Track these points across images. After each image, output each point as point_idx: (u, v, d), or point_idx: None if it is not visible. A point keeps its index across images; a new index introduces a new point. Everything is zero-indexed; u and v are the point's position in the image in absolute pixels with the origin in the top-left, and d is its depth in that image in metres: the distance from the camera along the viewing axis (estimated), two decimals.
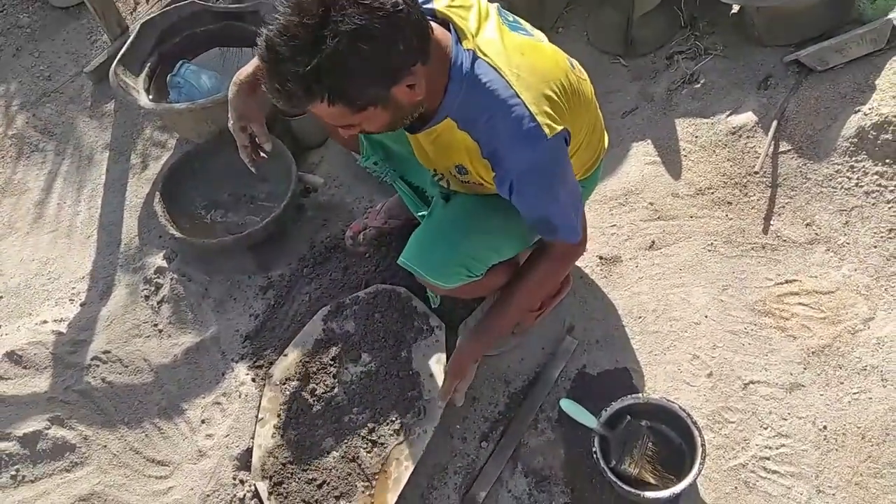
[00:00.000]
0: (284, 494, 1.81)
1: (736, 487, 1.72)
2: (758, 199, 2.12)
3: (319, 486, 1.81)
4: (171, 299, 2.25)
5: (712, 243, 2.08)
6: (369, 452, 1.82)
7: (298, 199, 2.40)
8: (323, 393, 1.94)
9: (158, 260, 2.34)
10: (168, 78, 2.52)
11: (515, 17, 1.52)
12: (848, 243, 2.00)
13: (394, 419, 1.85)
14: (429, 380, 1.88)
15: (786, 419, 1.79)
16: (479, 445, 1.88)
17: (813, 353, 1.86)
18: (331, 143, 2.53)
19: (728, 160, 2.21)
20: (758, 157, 2.15)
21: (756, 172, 2.15)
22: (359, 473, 1.81)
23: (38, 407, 2.08)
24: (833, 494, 1.68)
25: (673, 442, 1.75)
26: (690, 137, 2.28)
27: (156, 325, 2.22)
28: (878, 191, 2.03)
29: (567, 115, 1.42)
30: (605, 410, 1.73)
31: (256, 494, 1.86)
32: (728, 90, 2.33)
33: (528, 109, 1.33)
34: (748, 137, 2.22)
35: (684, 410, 1.70)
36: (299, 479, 1.83)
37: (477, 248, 1.62)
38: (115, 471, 1.98)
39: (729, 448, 1.77)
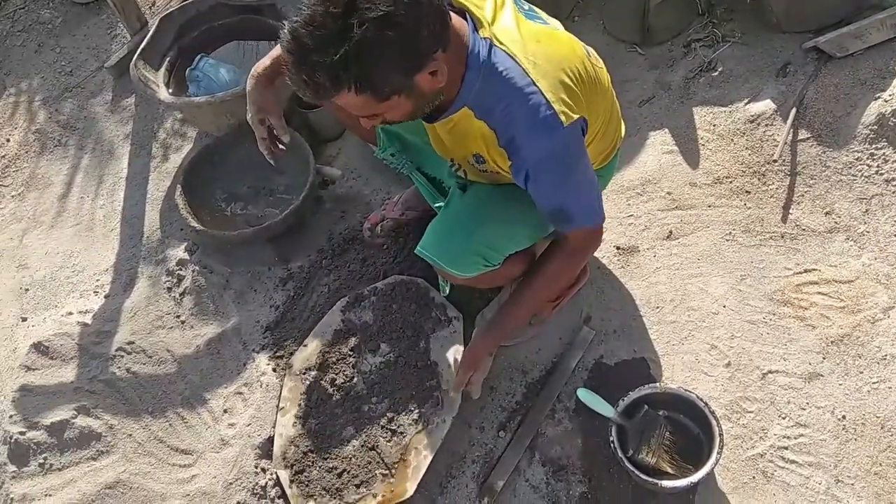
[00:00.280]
0: (306, 482, 1.84)
1: (754, 477, 1.72)
2: (776, 188, 2.11)
3: (340, 475, 1.83)
4: (193, 291, 2.29)
5: (730, 233, 2.07)
6: (389, 441, 1.85)
7: (317, 192, 2.42)
8: (343, 383, 1.96)
9: (180, 252, 2.38)
10: (187, 72, 2.54)
11: (531, 5, 1.53)
12: (868, 232, 1.98)
13: (412, 409, 1.87)
14: (447, 370, 1.90)
15: (804, 409, 1.78)
16: (496, 435, 1.89)
17: (832, 342, 1.85)
18: (348, 135, 2.55)
19: (746, 149, 2.19)
20: (776, 146, 2.14)
21: (775, 161, 2.13)
22: (378, 462, 1.83)
23: (64, 397, 2.13)
24: (852, 484, 1.68)
25: (691, 431, 1.75)
26: (708, 126, 2.27)
27: (178, 317, 2.26)
28: None
29: (584, 103, 1.42)
30: (623, 400, 1.73)
31: (278, 482, 1.89)
32: (746, 78, 2.31)
33: (545, 97, 1.34)
34: (767, 125, 2.20)
35: (702, 400, 1.69)
36: (320, 467, 1.86)
37: (494, 238, 1.63)
38: (140, 459, 2.02)
39: (747, 438, 1.77)
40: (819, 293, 1.93)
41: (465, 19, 1.37)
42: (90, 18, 3.21)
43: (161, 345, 2.21)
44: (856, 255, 1.96)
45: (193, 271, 2.32)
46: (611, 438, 1.70)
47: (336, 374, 1.98)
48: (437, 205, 1.82)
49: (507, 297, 1.90)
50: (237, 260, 2.33)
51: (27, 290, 2.46)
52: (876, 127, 2.05)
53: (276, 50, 1.62)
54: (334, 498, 1.81)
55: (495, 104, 1.36)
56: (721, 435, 1.64)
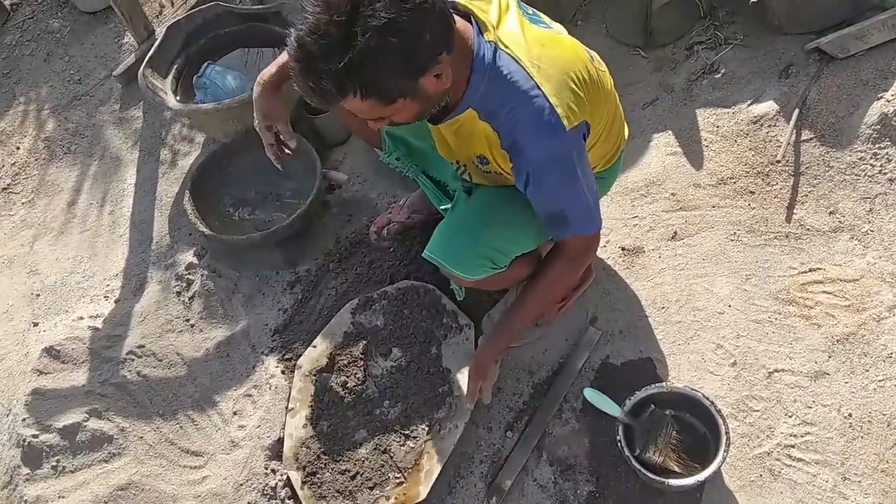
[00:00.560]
0: (318, 484, 1.85)
1: (761, 475, 1.73)
2: (780, 188, 2.12)
3: (353, 477, 1.85)
4: (202, 295, 2.31)
5: (735, 233, 2.09)
6: (402, 446, 1.86)
7: (323, 196, 2.44)
8: (354, 386, 1.98)
9: (189, 257, 2.40)
10: (194, 79, 2.57)
11: (535, 10, 1.54)
12: (872, 231, 1.99)
13: (425, 414, 1.88)
14: (458, 376, 1.91)
15: (811, 407, 1.79)
16: (504, 435, 1.91)
17: (837, 341, 1.86)
18: (354, 140, 2.57)
19: (750, 149, 2.21)
20: (780, 146, 2.15)
21: (778, 161, 2.14)
22: (391, 465, 1.84)
23: (76, 400, 2.15)
24: (859, 482, 1.69)
25: (697, 431, 1.76)
26: (711, 127, 2.28)
27: (188, 320, 2.28)
28: None
29: (587, 107, 1.43)
30: (629, 399, 1.75)
31: (288, 483, 1.91)
32: (749, 79, 2.33)
33: (549, 101, 1.35)
34: (770, 126, 2.21)
35: (708, 399, 1.70)
36: (333, 469, 1.87)
37: (500, 240, 1.64)
38: (152, 461, 2.04)
39: (754, 436, 1.78)
40: (824, 292, 1.94)
41: (471, 23, 1.39)
42: (98, 28, 3.25)
43: (171, 348, 2.23)
44: (860, 254, 1.97)
45: (202, 275, 2.35)
46: (618, 438, 1.71)
47: (347, 377, 1.99)
48: (442, 207, 1.83)
49: (513, 299, 1.91)
50: (245, 264, 2.36)
51: (38, 295, 2.49)
52: (878, 127, 2.07)
53: (282, 57, 1.64)
54: (347, 500, 1.82)
55: (499, 107, 1.38)
56: (727, 433, 1.65)
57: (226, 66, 2.64)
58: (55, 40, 3.28)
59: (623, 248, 2.14)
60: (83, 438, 2.08)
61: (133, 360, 2.21)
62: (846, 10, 2.25)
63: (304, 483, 1.86)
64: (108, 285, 2.44)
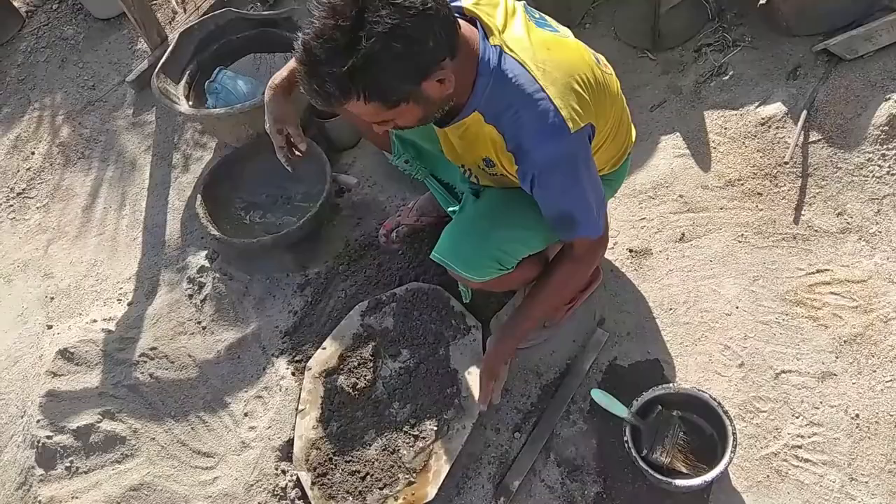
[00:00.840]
0: (329, 485, 1.87)
1: (768, 476, 1.73)
2: (788, 190, 2.12)
3: (363, 478, 1.86)
4: (214, 297, 2.34)
5: (743, 234, 2.09)
6: (412, 447, 1.87)
7: (333, 199, 2.47)
8: (363, 387, 2.00)
9: (201, 260, 2.43)
10: (206, 84, 2.60)
11: (542, 13, 1.56)
12: (880, 232, 1.99)
13: (434, 415, 1.90)
14: (466, 377, 1.92)
15: (818, 408, 1.79)
16: (512, 436, 1.92)
17: (845, 341, 1.86)
18: (364, 143, 2.59)
19: (758, 151, 2.21)
20: (787, 148, 2.15)
21: (786, 163, 2.15)
22: (400, 466, 1.86)
23: (89, 401, 2.18)
24: (866, 482, 1.68)
25: (704, 431, 1.76)
26: (719, 129, 2.29)
27: (199, 323, 2.31)
28: None
29: (592, 110, 1.44)
30: (637, 400, 1.75)
31: (298, 483, 1.93)
32: (757, 81, 2.33)
33: (553, 103, 1.36)
34: (778, 128, 2.21)
35: (715, 400, 1.70)
36: (342, 470, 1.89)
37: (507, 241, 1.65)
38: (164, 462, 2.07)
39: (761, 437, 1.78)
40: (832, 293, 1.94)
41: (476, 27, 1.40)
42: (112, 34, 3.29)
43: (183, 350, 2.26)
44: (868, 255, 1.97)
45: (214, 278, 2.37)
46: (625, 438, 1.71)
47: (357, 378, 2.01)
48: (451, 209, 1.85)
49: (521, 301, 1.92)
50: (256, 267, 2.38)
51: (52, 298, 2.52)
52: (887, 128, 2.06)
53: (293, 62, 1.66)
54: (356, 500, 1.83)
55: (504, 109, 1.39)
56: (734, 434, 1.65)
57: (237, 71, 2.67)
58: (69, 47, 3.33)
59: (631, 250, 2.14)
60: (96, 440, 2.11)
61: (146, 362, 2.24)
62: (854, 12, 2.25)
63: (313, 484, 1.88)
64: (121, 288, 2.48)
